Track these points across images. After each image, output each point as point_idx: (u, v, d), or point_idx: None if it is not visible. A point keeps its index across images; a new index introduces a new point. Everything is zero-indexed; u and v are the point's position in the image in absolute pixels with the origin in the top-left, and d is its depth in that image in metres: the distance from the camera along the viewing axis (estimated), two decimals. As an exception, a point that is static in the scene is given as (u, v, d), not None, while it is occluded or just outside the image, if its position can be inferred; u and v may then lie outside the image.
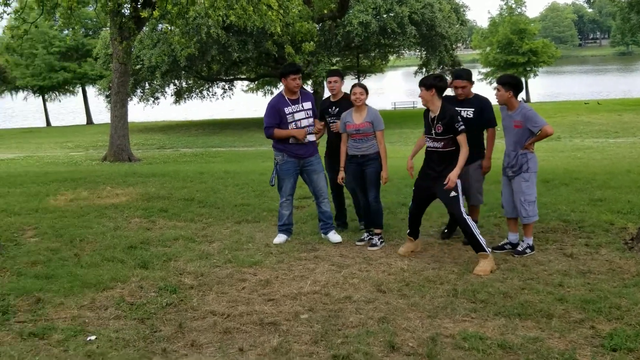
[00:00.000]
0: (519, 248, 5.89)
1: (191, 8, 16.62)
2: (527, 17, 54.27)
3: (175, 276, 5.39)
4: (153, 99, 40.13)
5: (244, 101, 54.08)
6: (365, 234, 6.56)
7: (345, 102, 6.66)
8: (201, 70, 37.48)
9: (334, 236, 6.52)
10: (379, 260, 5.86)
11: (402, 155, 6.16)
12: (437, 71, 40.30)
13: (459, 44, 42.27)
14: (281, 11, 16.10)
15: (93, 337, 4.12)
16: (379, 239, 6.34)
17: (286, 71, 6.47)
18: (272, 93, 52.38)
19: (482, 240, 5.47)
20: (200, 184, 10.33)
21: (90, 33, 51.34)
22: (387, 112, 40.66)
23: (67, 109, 63.03)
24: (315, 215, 7.41)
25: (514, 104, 5.83)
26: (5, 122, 53.83)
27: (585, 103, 43.42)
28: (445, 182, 5.52)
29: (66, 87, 51.89)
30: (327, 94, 6.94)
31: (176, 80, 40.18)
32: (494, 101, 6.24)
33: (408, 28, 32.93)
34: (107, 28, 29.40)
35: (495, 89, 5.98)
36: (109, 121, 21.62)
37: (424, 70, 40.41)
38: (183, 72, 36.30)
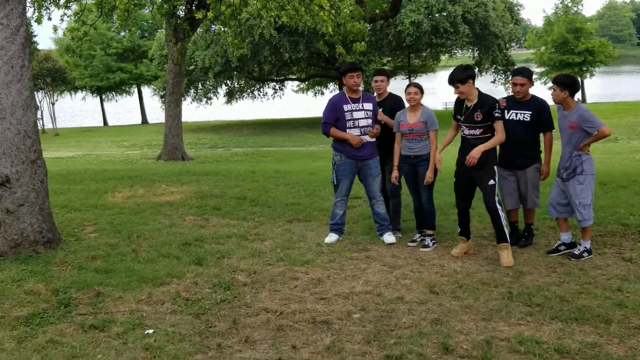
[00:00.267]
0: (576, 251, 5.75)
1: (244, 9, 16.84)
2: (584, 16, 52.78)
3: (228, 273, 5.48)
4: (206, 99, 40.82)
5: (294, 101, 54.43)
6: (417, 235, 6.52)
7: (390, 102, 6.67)
8: (252, 70, 37.91)
9: (389, 237, 6.49)
10: (431, 261, 5.81)
11: (453, 156, 6.10)
12: (491, 71, 39.68)
13: (513, 44, 41.39)
14: (333, 11, 16.14)
15: (151, 331, 4.23)
16: (431, 240, 6.29)
17: (345, 69, 6.52)
18: (322, 93, 52.54)
19: (507, 232, 5.75)
20: (252, 182, 10.46)
21: (146, 35, 52.57)
22: (438, 112, 39.68)
23: (123, 109, 64.68)
24: (367, 216, 7.43)
25: (569, 104, 5.70)
26: (65, 121, 55.57)
27: (644, 104, 41.98)
28: (471, 162, 5.66)
29: (122, 87, 53.24)
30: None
31: (228, 81, 40.73)
32: (550, 102, 6.12)
33: (461, 27, 32.54)
34: (163, 30, 30.10)
35: (550, 88, 5.86)
36: (164, 121, 22.07)
37: (476, 70, 39.81)
38: (235, 72, 36.78)
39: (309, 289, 5.09)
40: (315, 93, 52.39)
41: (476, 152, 5.64)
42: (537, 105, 6.04)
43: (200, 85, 38.99)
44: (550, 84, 5.77)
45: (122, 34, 46.76)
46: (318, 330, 4.24)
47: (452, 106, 6.15)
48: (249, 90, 44.51)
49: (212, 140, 33.37)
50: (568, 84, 5.68)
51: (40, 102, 41.05)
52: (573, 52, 49.57)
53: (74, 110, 66.99)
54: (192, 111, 43.38)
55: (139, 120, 55.13)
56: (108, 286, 5.09)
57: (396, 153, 6.46)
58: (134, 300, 4.82)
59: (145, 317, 4.51)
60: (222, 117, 50.39)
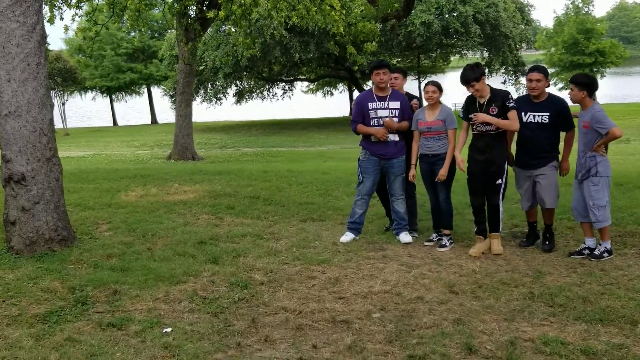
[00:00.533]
0: (596, 252, 5.66)
1: (254, 10, 16.79)
2: (594, 17, 52.46)
3: (245, 272, 5.43)
4: (215, 100, 40.87)
5: (304, 102, 54.43)
6: (434, 235, 6.46)
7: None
8: (262, 71, 37.91)
9: (405, 237, 6.43)
10: (448, 261, 5.75)
11: (464, 157, 6.05)
12: (501, 71, 39.50)
13: (523, 45, 41.22)
14: (343, 11, 16.06)
15: (169, 329, 4.19)
16: (448, 240, 6.23)
17: (372, 66, 6.50)
18: (331, 94, 52.55)
19: (501, 223, 6.05)
20: (265, 182, 10.42)
21: (156, 35, 52.73)
22: (448, 113, 39.75)
23: (132, 109, 64.90)
24: (382, 215, 7.38)
25: (586, 104, 5.63)
26: (76, 121, 55.80)
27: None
28: (482, 120, 5.75)
29: (132, 87, 53.44)
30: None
31: (238, 81, 40.77)
32: (568, 101, 6.03)
33: (472, 28, 32.42)
34: (173, 30, 30.12)
35: (570, 88, 5.78)
36: (173, 121, 22.08)
37: (486, 70, 39.67)
38: (244, 73, 36.80)
39: (327, 288, 5.04)
40: (325, 94, 52.43)
41: (486, 117, 5.74)
42: (554, 105, 5.90)
43: (210, 85, 39.04)
44: (559, 85, 5.67)
45: (132, 34, 46.98)
46: (338, 329, 4.19)
47: (463, 107, 6.12)
48: (258, 91, 44.56)
49: (221, 140, 33.40)
50: (586, 84, 5.60)
51: (51, 102, 41.21)
52: (584, 53, 49.22)
53: (83, 110, 67.29)
54: (202, 111, 43.46)
55: (148, 121, 55.29)
56: (124, 284, 5.06)
57: (414, 151, 6.41)
58: (151, 299, 4.78)
59: (163, 315, 4.47)
60: (231, 117, 50.47)
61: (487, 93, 5.84)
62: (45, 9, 15.76)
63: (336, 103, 55.13)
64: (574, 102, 5.76)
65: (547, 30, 57.17)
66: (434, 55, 43.64)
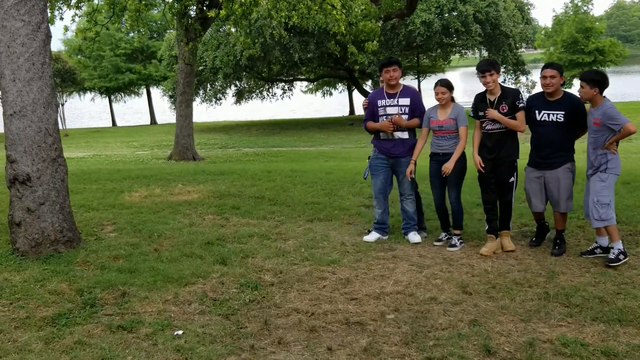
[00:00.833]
0: (611, 256, 5.43)
1: (254, 9, 16.72)
2: (593, 16, 52.40)
3: (254, 273, 5.37)
4: (215, 100, 40.74)
5: (304, 102, 54.37)
6: (443, 234, 6.40)
7: None
8: (262, 71, 37.80)
9: (414, 237, 6.38)
10: (459, 261, 5.69)
11: (470, 156, 5.99)
12: (501, 71, 39.43)
13: (523, 44, 41.08)
14: (344, 11, 16.00)
15: (180, 332, 4.13)
16: (458, 240, 6.16)
17: (381, 63, 6.48)
18: (331, 94, 52.41)
19: (511, 224, 6.12)
20: (269, 182, 10.34)
21: (155, 35, 52.56)
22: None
23: (131, 110, 64.75)
24: (389, 214, 7.29)
25: (597, 101, 5.55)
26: (75, 122, 55.60)
27: (656, 103, 41.61)
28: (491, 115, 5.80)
29: (131, 88, 53.23)
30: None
31: (237, 82, 40.64)
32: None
33: (472, 27, 32.32)
34: (172, 30, 30.05)
35: (580, 86, 5.70)
36: (173, 121, 21.98)
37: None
38: (244, 73, 36.68)
39: (338, 289, 4.97)
40: (324, 93, 52.29)
41: (495, 114, 5.77)
42: (569, 103, 5.75)
43: (209, 85, 38.91)
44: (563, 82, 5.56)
45: (132, 34, 46.84)
46: (352, 331, 4.12)
47: (470, 106, 6.08)
48: (258, 91, 44.43)
49: (222, 141, 33.27)
50: (597, 81, 5.52)
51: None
52: (583, 52, 49.12)
53: (82, 111, 67.14)
54: (202, 112, 43.34)
55: (147, 121, 55.10)
56: (133, 286, 4.99)
57: (417, 148, 6.35)
58: (161, 301, 4.71)
59: (174, 317, 4.41)
60: (231, 117, 50.35)
61: (498, 90, 5.86)
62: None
63: (336, 103, 55.05)
64: (584, 99, 5.68)
65: (546, 29, 57.14)
66: (433, 54, 43.51)
